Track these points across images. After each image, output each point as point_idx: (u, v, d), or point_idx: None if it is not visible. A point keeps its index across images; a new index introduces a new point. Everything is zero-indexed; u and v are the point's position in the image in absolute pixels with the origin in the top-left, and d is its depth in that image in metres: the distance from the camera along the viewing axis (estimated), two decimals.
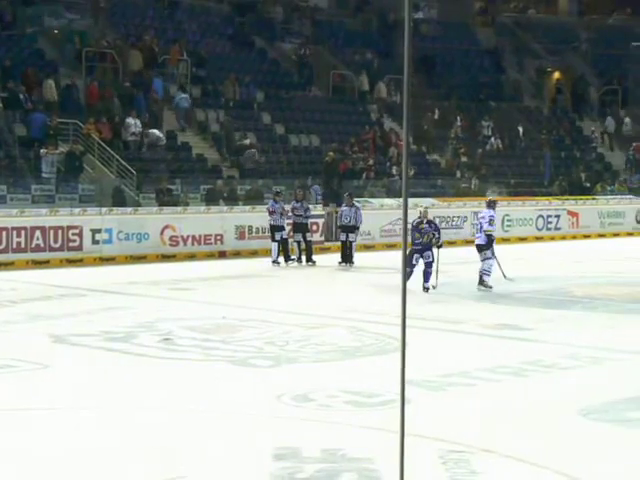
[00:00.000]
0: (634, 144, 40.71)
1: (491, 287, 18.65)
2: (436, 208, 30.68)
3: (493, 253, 18.86)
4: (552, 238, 32.33)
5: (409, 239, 17.40)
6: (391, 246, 27.22)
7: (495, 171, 36.03)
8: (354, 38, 39.74)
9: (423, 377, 10.72)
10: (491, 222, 18.73)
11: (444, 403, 9.87)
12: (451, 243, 29.56)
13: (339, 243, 23.98)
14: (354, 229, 23.41)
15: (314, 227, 25.80)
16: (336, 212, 26.37)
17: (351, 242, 23.37)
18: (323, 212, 27.73)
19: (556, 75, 44.08)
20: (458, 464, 7.62)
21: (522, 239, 31.54)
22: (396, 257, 23.87)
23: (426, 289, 18.33)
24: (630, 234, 34.59)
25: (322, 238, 27.22)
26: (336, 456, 7.78)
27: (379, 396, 9.70)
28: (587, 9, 47.72)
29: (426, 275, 18.37)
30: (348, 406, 9.58)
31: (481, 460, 7.78)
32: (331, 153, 31.03)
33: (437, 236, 18.50)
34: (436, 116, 37.64)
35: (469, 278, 20.52)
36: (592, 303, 17.48)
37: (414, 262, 18.17)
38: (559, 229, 33.28)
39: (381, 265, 23.28)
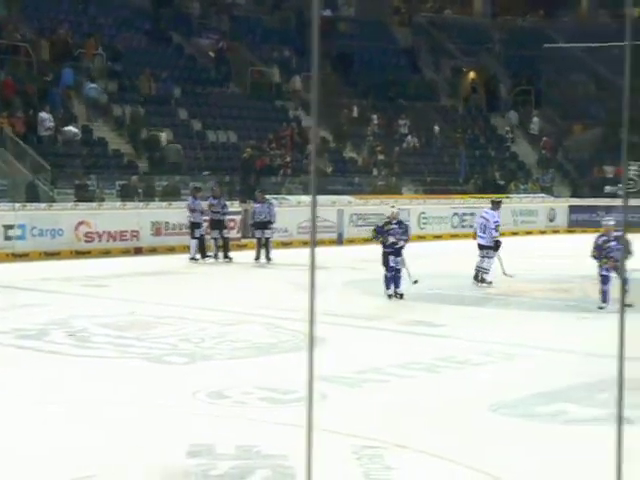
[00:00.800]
0: (544, 139, 41.38)
1: (490, 282, 19.17)
2: (353, 205, 30.88)
3: (494, 253, 19.36)
4: (467, 236, 32.66)
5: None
6: (308, 243, 27.24)
7: (411, 169, 36.33)
8: (272, 35, 39.73)
9: (338, 373, 10.78)
10: (497, 228, 19.40)
11: (358, 399, 9.94)
12: (367, 240, 29.77)
13: (255, 240, 23.98)
14: (269, 225, 23.46)
15: (231, 224, 25.76)
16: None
17: (267, 238, 23.40)
18: (240, 209, 27.70)
19: (471, 75, 44.58)
20: (372, 460, 7.68)
21: (437, 237, 31.88)
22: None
23: (399, 295, 17.19)
24: (542, 232, 35.17)
25: (239, 235, 27.19)
26: (250, 453, 7.79)
27: (294, 392, 9.73)
28: (501, 10, 48.33)
29: (396, 280, 17.27)
30: (263, 403, 9.60)
31: (395, 455, 7.85)
32: (248, 149, 31.01)
33: (404, 238, 17.28)
34: (354, 114, 37.84)
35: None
36: (505, 300, 17.74)
37: (392, 264, 17.17)
38: (473, 227, 33.62)
39: (298, 262, 23.30)
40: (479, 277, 19.22)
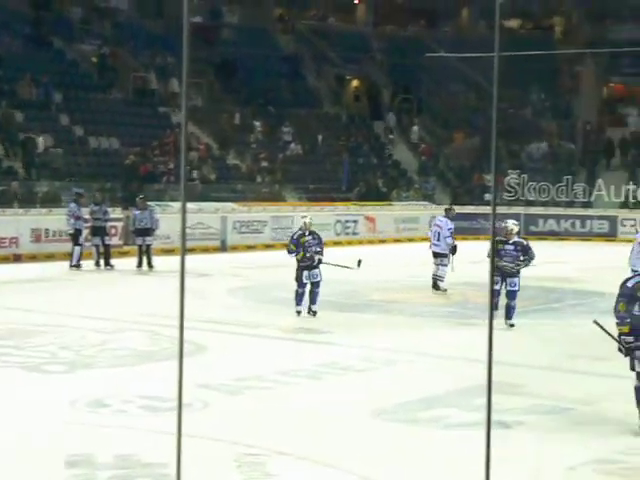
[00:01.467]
0: (422, 145, 41.98)
1: (446, 290, 19.37)
2: (236, 212, 30.83)
3: (449, 260, 19.47)
4: (350, 243, 32.95)
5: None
6: (191, 250, 27.12)
7: (295, 176, 36.42)
8: (155, 41, 39.41)
9: (220, 381, 10.76)
10: (451, 235, 19.62)
11: (240, 407, 9.92)
12: (251, 247, 29.77)
13: (137, 247, 23.73)
14: (150, 232, 23.27)
15: (112, 230, 25.45)
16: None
17: (148, 245, 23.20)
18: (122, 215, 27.39)
19: (354, 83, 44.96)
20: (253, 467, 7.68)
21: None
22: (194, 260, 23.85)
23: (314, 313, 16.19)
24: (425, 239, 35.50)
25: (121, 242, 26.89)
26: (130, 461, 7.72)
27: (174, 400, 9.58)
28: (383, 20, 48.82)
29: (313, 296, 16.23)
30: (143, 411, 9.51)
31: (276, 463, 7.86)
32: (131, 156, 30.70)
33: (319, 250, 16.45)
34: (236, 121, 37.79)
35: (268, 282, 20.74)
36: (387, 306, 17.90)
37: (304, 280, 16.17)
38: (357, 234, 33.96)
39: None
40: (436, 285, 19.46)
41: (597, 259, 27.85)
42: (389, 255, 28.89)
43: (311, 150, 38.98)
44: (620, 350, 9.14)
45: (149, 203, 24.48)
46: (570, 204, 37.99)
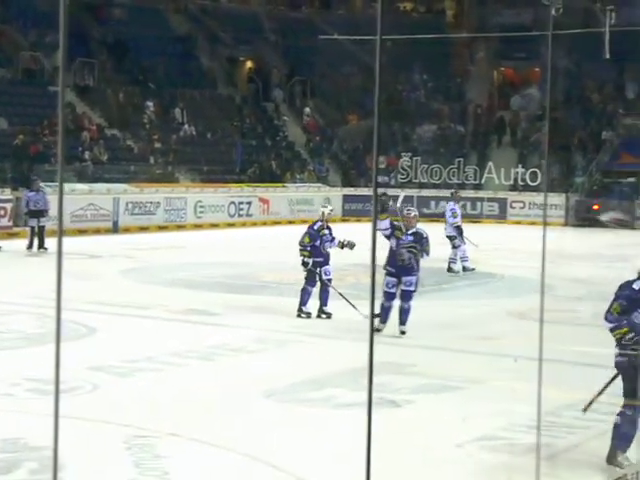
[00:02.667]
0: (307, 118, 41.99)
1: (474, 268, 20.02)
2: (129, 194, 30.50)
3: (461, 241, 20.11)
4: (244, 224, 32.90)
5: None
6: (82, 231, 26.76)
7: (188, 158, 36.18)
8: (44, 19, 38.63)
9: (110, 363, 10.67)
10: (454, 215, 20.23)
11: (131, 389, 9.86)
12: (143, 229, 29.53)
13: (28, 229, 23.34)
14: (44, 213, 22.91)
15: (1, 212, 24.96)
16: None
17: (41, 227, 22.82)
18: (11, 197, 26.88)
19: (248, 64, 44.79)
20: (143, 449, 7.64)
21: (214, 225, 31.89)
22: (86, 241, 23.56)
23: (327, 315, 14.41)
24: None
25: (10, 223, 26.40)
26: (17, 445, 7.62)
27: (64, 383, 9.50)
28: (276, 1, 48.68)
29: (325, 296, 14.51)
30: (31, 394, 9.38)
31: (166, 444, 7.84)
32: (21, 136, 30.12)
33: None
34: (129, 101, 37.34)
35: (161, 264, 20.62)
36: (280, 288, 17.93)
37: (325, 276, 14.52)
38: (250, 216, 33.91)
39: (71, 251, 22.83)
40: (450, 267, 20.20)
41: (487, 241, 28.27)
42: (283, 237, 28.91)
43: (204, 131, 38.74)
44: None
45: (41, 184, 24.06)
46: (461, 186, 38.50)
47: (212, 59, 43.92)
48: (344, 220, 34.55)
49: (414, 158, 39.49)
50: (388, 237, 13.36)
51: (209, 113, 39.64)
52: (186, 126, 37.79)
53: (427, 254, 13.54)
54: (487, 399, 9.74)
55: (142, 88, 38.42)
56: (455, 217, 20.44)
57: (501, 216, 36.57)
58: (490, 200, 37.47)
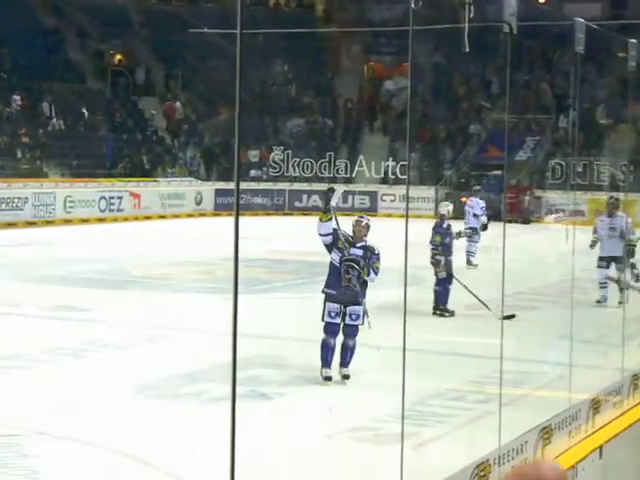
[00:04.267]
0: (167, 103, 41.86)
1: (477, 265, 19.65)
2: None
3: (479, 237, 20.30)
4: (115, 219, 32.50)
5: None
6: None
7: (57, 152, 35.55)
8: None
9: None
10: (484, 213, 20.54)
11: None
12: (11, 224, 28.91)
13: None
14: None
15: None
16: None
17: None
18: None
19: (118, 57, 44.24)
20: (9, 448, 7.52)
21: (84, 220, 31.42)
22: None
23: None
24: (190, 215, 35.53)
25: None
26: None
27: None
28: None
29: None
30: None
31: (34, 443, 7.73)
32: None
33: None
34: None
35: (29, 260, 20.25)
36: (151, 283, 17.80)
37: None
38: (121, 210, 33.50)
39: None
40: (469, 261, 20.23)
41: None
42: (154, 231, 28.70)
43: (73, 126, 38.11)
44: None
45: None
46: (333, 180, 38.75)
47: (80, 52, 43.23)
48: (216, 214, 34.47)
49: (286, 152, 39.60)
50: (328, 247, 10.61)
51: (78, 107, 39.00)
52: (54, 120, 37.12)
53: (375, 273, 10.49)
54: (356, 390, 9.85)
55: (8, 81, 37.58)
56: (485, 214, 20.93)
57: (372, 209, 36.93)
58: (361, 193, 37.81)
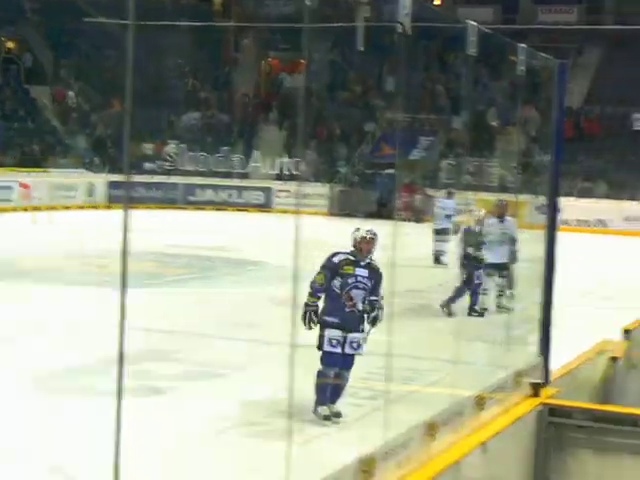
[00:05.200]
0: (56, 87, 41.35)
1: (447, 264, 19.42)
2: None
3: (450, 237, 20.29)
4: (4, 210, 31.88)
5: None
6: None
7: None
8: None
9: None
10: (455, 214, 20.98)
11: None
12: None
13: None
14: None
15: None
16: None
17: None
18: None
19: (9, 45, 43.41)
20: None
21: None
22: None
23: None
24: (81, 207, 35.06)
25: None
26: None
27: None
28: None
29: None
30: None
31: None
32: None
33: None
34: None
35: None
36: (41, 275, 17.52)
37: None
38: (10, 201, 32.90)
39: None
40: (438, 259, 20.49)
41: (253, 229, 28.60)
42: (44, 223, 28.24)
43: None
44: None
45: None
46: (228, 175, 38.68)
47: None
48: (108, 207, 34.07)
49: (180, 145, 39.36)
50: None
51: None
52: None
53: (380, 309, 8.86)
54: (249, 385, 9.86)
55: None
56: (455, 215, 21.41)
57: (267, 205, 36.98)
58: (256, 189, 37.83)
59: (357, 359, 8.71)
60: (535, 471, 6.50)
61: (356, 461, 4.48)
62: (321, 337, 8.89)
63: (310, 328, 8.69)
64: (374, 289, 8.90)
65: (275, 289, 16.61)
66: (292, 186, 36.87)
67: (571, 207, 30.75)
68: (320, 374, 8.83)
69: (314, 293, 8.83)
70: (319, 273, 8.93)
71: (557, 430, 6.56)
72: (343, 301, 8.86)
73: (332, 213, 35.32)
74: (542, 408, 6.56)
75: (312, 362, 8.63)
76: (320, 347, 8.89)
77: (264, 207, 36.81)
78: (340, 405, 8.74)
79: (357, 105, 41.40)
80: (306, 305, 8.76)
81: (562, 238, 9.11)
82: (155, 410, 8.71)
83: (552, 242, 7.38)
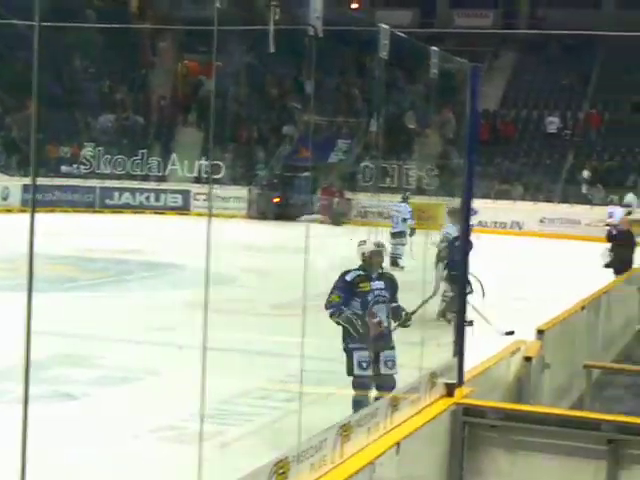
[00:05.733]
0: None
1: (403, 267, 19.28)
2: None
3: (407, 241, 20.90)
4: None
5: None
6: None
7: None
8: None
9: None
10: (412, 217, 21.34)
11: None
12: None
13: None
14: None
15: None
16: None
17: None
18: None
19: None
20: None
21: None
22: None
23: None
24: None
25: None
26: None
27: None
28: None
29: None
30: None
31: None
32: None
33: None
34: None
35: None
36: None
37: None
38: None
39: None
40: (395, 262, 20.16)
41: (170, 232, 28.42)
42: None
43: None
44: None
45: None
46: (145, 178, 38.42)
47: None
48: (22, 210, 33.57)
49: (97, 148, 38.98)
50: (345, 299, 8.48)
51: None
52: None
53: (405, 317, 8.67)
54: (164, 390, 9.81)
55: None
56: (413, 219, 21.73)
57: (185, 207, 36.80)
58: (174, 192, 37.64)
59: (272, 361, 8.74)
60: (449, 470, 6.57)
61: (270, 464, 4.47)
62: (349, 360, 8.29)
63: (358, 333, 8.14)
64: (392, 297, 8.54)
65: (191, 292, 16.55)
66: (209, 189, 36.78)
67: (488, 209, 31.19)
68: (356, 404, 7.96)
69: (336, 311, 8.29)
70: (333, 294, 8.39)
71: (471, 429, 6.62)
72: (367, 321, 8.26)
73: (251, 216, 35.31)
74: (456, 408, 6.62)
75: (231, 365, 8.62)
76: (350, 372, 8.29)
77: (182, 210, 36.61)
78: (257, 408, 8.74)
79: (275, 108, 41.40)
80: (338, 324, 8.31)
81: (479, 239, 9.22)
82: (68, 416, 8.61)
83: (466, 243, 7.45)
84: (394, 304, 8.54)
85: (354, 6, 46.58)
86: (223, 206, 34.74)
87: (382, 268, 8.69)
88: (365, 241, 8.79)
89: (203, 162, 38.36)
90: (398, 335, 8.39)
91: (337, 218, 33.66)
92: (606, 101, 41.80)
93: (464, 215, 7.43)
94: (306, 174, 34.25)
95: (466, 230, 7.54)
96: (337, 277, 8.55)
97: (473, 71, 7.14)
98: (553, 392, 9.78)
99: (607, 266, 17.73)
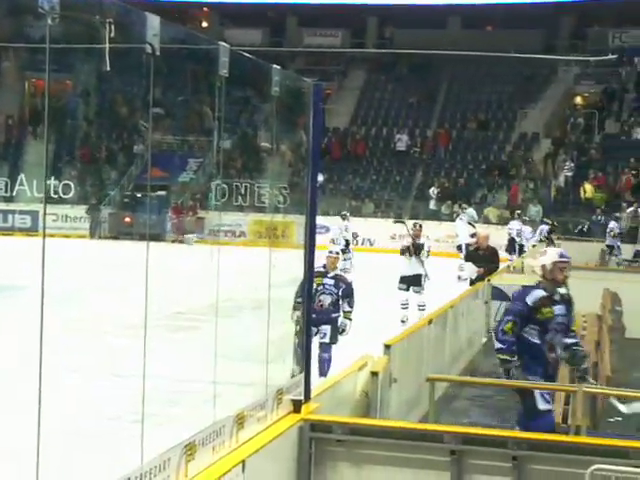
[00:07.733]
0: None
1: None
2: None
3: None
4: None
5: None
6: None
7: None
8: None
9: None
10: (354, 236, 23.22)
11: None
12: None
13: None
14: None
15: None
16: None
17: None
18: None
19: None
20: None
21: None
22: None
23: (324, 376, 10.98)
24: None
25: None
26: None
27: None
28: None
29: (322, 365, 11.32)
30: None
31: None
32: None
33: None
34: None
35: None
36: None
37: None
38: None
39: None
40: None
41: (18, 253, 27.76)
42: None
43: None
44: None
45: None
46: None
47: None
48: None
49: None
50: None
51: None
52: None
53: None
54: None
55: None
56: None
57: (33, 228, 36.03)
58: (22, 212, 36.82)
59: (126, 383, 8.62)
60: None
61: None
62: (530, 396, 7.33)
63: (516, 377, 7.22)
64: (568, 327, 7.33)
65: (35, 314, 16.17)
66: (59, 209, 36.11)
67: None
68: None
69: (506, 351, 7.18)
70: (508, 320, 7.15)
71: (318, 445, 6.66)
72: (544, 350, 7.24)
73: (100, 236, 34.86)
74: (303, 424, 6.64)
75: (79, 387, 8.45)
76: (533, 409, 7.30)
77: (31, 230, 35.82)
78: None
79: (125, 127, 40.96)
80: (503, 362, 7.38)
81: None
82: None
83: (311, 261, 7.49)
84: (570, 340, 7.27)
85: (204, 25, 46.60)
86: (74, 226, 34.18)
87: (566, 287, 7.19)
88: (546, 250, 7.49)
89: (52, 181, 37.65)
90: (243, 353, 8.41)
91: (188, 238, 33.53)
92: (453, 119, 42.75)
93: (309, 233, 7.46)
94: (160, 193, 34.00)
95: (311, 247, 7.57)
96: (514, 294, 7.38)
97: (315, 89, 7.19)
98: (401, 406, 9.90)
99: (472, 283, 17.72)
